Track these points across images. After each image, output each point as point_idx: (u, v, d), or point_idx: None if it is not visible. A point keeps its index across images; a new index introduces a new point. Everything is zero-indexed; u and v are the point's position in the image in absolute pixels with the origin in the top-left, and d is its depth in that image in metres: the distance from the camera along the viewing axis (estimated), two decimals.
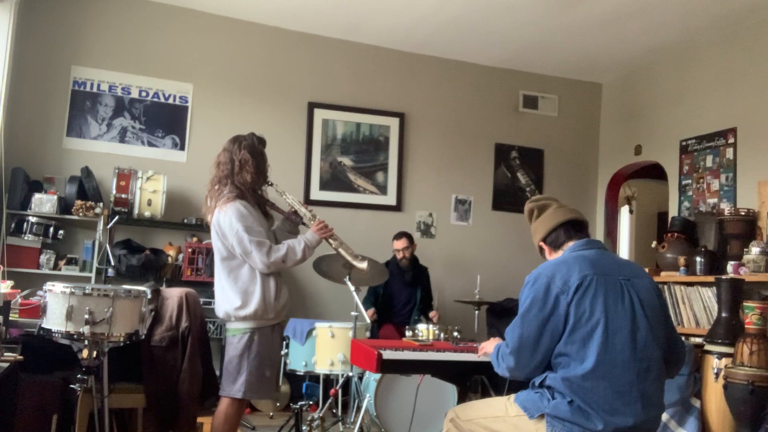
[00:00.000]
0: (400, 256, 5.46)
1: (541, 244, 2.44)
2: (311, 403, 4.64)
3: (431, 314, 5.42)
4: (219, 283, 3.16)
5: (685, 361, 2.64)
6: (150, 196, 5.18)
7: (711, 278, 4.50)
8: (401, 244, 5.47)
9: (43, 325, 2.82)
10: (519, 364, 2.17)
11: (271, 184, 3.31)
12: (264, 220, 3.23)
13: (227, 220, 3.05)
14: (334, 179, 6.14)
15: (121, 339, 2.88)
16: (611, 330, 2.08)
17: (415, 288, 5.49)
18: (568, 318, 2.11)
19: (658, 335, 2.16)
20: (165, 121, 5.67)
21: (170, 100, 5.70)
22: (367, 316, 5.15)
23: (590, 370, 2.04)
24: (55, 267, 5.06)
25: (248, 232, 3.02)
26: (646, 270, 4.99)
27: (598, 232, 6.87)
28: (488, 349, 2.53)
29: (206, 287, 4.81)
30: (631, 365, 2.06)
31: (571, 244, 2.34)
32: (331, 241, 3.30)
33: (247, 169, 3.14)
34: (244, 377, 3.04)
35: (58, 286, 2.79)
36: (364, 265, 3.40)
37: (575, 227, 2.38)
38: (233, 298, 3.08)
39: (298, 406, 3.89)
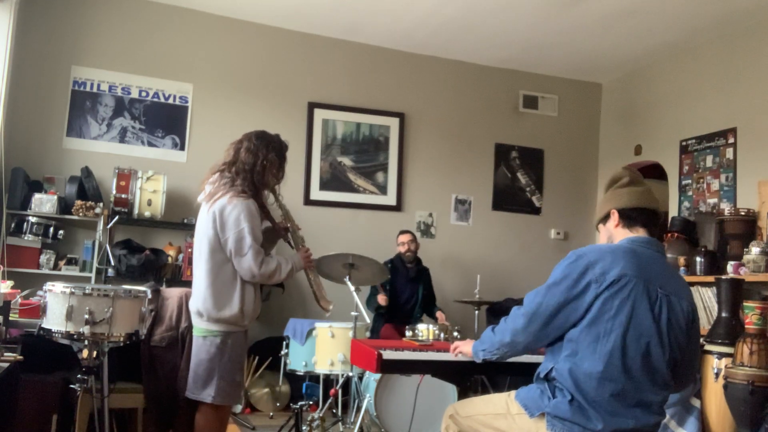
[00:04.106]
0: (404, 249, 5.52)
1: (614, 211, 2.25)
2: (311, 403, 4.64)
3: (438, 314, 5.46)
4: (199, 275, 2.96)
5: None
6: (150, 196, 5.18)
7: (711, 278, 4.49)
8: (407, 237, 5.56)
9: (43, 325, 2.82)
10: (527, 329, 2.12)
11: (277, 192, 3.20)
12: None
13: (235, 215, 2.86)
14: (334, 179, 6.14)
15: (121, 339, 2.88)
16: (629, 337, 2.03)
17: (417, 285, 5.54)
18: (590, 308, 2.05)
19: (675, 356, 2.11)
20: (165, 121, 5.67)
21: (170, 100, 5.70)
22: (380, 299, 5.24)
23: (597, 369, 2.00)
24: (55, 267, 5.06)
25: (252, 235, 2.86)
26: None
27: None
28: (464, 349, 2.48)
29: None
30: (639, 375, 2.03)
31: (637, 233, 2.21)
32: (309, 272, 3.20)
33: (272, 172, 3.06)
34: (215, 382, 2.89)
35: (58, 286, 2.79)
36: (329, 306, 3.26)
37: (653, 220, 2.24)
38: (210, 296, 2.89)
39: (298, 406, 3.89)
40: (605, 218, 2.30)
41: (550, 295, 2.10)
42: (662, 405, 2.11)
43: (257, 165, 2.99)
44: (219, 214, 2.89)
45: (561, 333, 2.11)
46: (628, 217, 2.23)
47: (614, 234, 2.27)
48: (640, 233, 2.21)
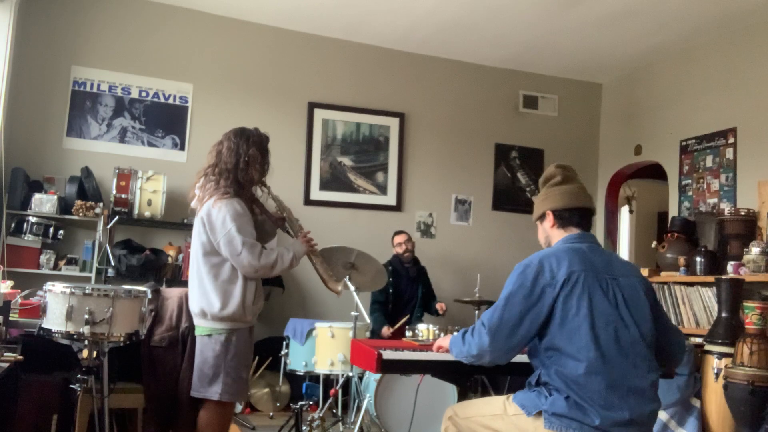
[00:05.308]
0: (402, 249, 5.52)
1: (549, 212, 2.36)
2: (311, 403, 4.64)
3: (438, 305, 5.48)
4: (197, 278, 2.99)
5: (684, 359, 2.60)
6: (150, 196, 5.18)
7: (711, 278, 4.49)
8: (403, 237, 5.56)
9: (43, 325, 2.82)
10: (493, 344, 2.15)
11: (265, 185, 3.19)
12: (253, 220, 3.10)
13: (221, 217, 2.89)
14: (334, 179, 6.14)
15: (121, 339, 2.88)
16: (597, 327, 2.09)
17: (417, 285, 5.56)
18: (554, 311, 2.11)
19: (646, 333, 2.17)
20: (165, 121, 5.67)
21: (170, 100, 5.70)
22: (384, 332, 5.13)
23: (582, 365, 2.05)
24: (55, 267, 5.06)
25: (241, 232, 2.88)
26: (646, 269, 5.02)
27: (599, 232, 6.87)
28: (443, 343, 2.49)
29: None
30: (619, 361, 2.08)
31: (571, 232, 2.33)
32: (312, 256, 3.18)
33: (256, 167, 3.03)
34: (221, 379, 2.91)
35: (58, 286, 2.79)
36: (339, 287, 3.24)
37: (586, 217, 2.37)
38: (212, 296, 2.91)
39: (298, 406, 3.89)
40: (541, 217, 2.41)
41: (509, 307, 2.16)
42: (654, 390, 2.15)
43: (240, 162, 3.00)
44: (206, 218, 2.94)
45: (526, 342, 2.17)
46: (562, 217, 2.35)
47: (550, 234, 2.39)
48: (573, 232, 2.33)
